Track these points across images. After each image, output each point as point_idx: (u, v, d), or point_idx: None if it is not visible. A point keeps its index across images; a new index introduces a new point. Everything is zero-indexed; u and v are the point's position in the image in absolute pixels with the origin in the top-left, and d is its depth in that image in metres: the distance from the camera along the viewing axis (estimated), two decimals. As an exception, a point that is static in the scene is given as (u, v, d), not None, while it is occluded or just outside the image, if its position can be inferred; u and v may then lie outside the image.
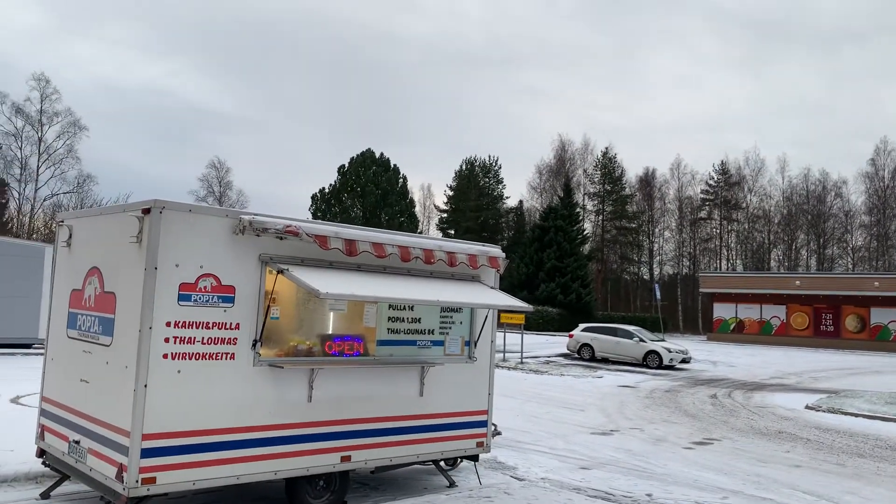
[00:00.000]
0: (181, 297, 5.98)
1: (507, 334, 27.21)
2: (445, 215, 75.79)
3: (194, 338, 6.04)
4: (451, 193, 75.14)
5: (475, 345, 8.12)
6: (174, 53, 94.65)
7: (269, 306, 6.42)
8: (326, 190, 65.12)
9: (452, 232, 73.42)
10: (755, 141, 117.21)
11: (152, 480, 5.79)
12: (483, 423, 8.24)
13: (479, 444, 8.22)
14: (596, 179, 73.52)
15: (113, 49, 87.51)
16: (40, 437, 7.16)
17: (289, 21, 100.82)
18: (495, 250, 8.17)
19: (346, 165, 65.72)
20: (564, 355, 30.32)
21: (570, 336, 30.50)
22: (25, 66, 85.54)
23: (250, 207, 62.36)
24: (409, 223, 63.57)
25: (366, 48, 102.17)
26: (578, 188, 72.01)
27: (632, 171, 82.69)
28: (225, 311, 6.23)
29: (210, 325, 6.14)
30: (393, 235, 7.22)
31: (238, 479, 6.30)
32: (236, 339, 6.28)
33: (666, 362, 26.70)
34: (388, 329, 7.49)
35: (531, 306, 8.11)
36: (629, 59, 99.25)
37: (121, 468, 5.76)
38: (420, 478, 8.65)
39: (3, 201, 55.34)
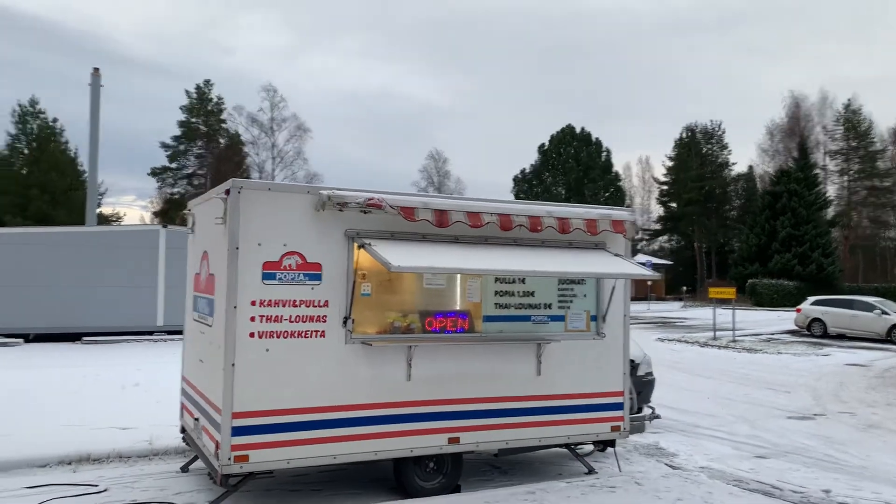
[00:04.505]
0: (265, 276, 5.96)
1: (716, 310, 25.16)
2: (665, 187, 72.12)
3: (281, 316, 6.00)
4: (670, 164, 71.27)
5: (603, 319, 7.34)
6: (398, 57, 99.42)
7: (355, 282, 6.23)
8: (527, 170, 64.63)
9: (674, 205, 69.78)
10: None
11: (245, 458, 5.84)
12: (619, 406, 7.44)
13: (615, 429, 7.42)
14: (838, 136, 65.64)
15: (347, 58, 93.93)
16: (181, 414, 7.62)
17: (496, 9, 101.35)
18: (620, 213, 7.31)
19: (546, 144, 64.74)
20: (792, 332, 27.43)
21: (798, 311, 27.51)
22: (270, 81, 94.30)
23: (466, 194, 64.17)
24: (614, 196, 61.29)
25: (575, 26, 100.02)
26: (816, 147, 64.78)
27: (882, 124, 72.73)
28: (312, 288, 6.12)
29: (297, 303, 6.07)
30: (492, 203, 6.69)
31: (335, 459, 6.19)
32: (325, 316, 6.16)
33: (916, 337, 23.13)
34: (496, 304, 6.96)
35: (658, 274, 7.15)
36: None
37: (216, 445, 5.88)
38: (558, 462, 8.05)
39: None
